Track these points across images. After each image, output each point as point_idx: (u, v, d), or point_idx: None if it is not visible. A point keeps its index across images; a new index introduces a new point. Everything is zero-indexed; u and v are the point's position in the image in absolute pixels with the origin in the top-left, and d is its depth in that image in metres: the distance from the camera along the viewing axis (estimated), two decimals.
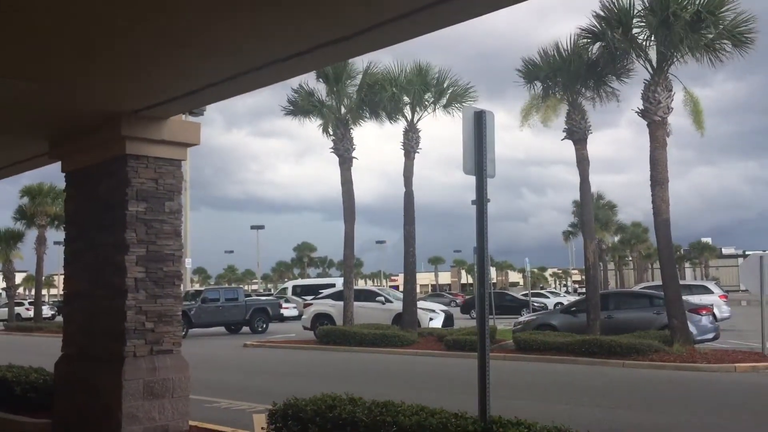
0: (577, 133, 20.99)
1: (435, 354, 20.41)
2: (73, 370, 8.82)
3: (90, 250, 8.74)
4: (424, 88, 24.13)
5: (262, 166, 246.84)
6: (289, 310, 41.85)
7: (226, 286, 74.96)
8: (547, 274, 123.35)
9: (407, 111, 24.74)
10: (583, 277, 26.46)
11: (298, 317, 36.18)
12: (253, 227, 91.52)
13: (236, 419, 10.13)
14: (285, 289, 55.56)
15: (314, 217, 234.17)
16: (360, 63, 24.75)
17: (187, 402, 8.50)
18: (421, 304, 27.97)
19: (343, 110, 25.49)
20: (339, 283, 36.39)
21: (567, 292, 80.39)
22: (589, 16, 19.25)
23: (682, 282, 24.63)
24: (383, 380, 15.34)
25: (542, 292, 59.38)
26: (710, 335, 19.88)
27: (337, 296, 27.86)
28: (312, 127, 26.38)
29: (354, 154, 25.37)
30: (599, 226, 49.09)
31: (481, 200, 6.47)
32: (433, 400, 7.63)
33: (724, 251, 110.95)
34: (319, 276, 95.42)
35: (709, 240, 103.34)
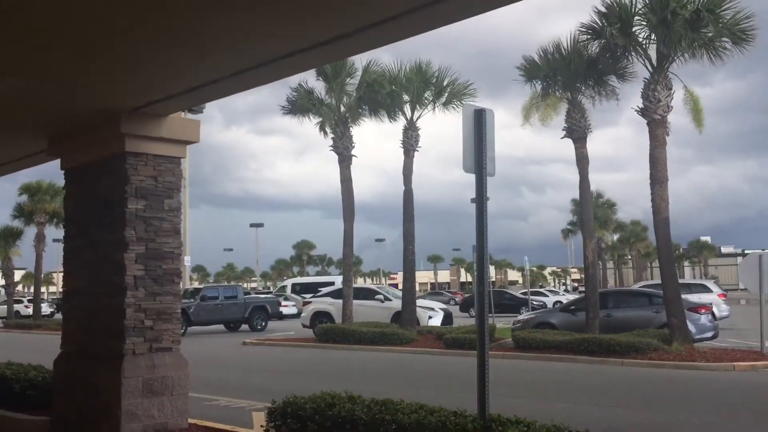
0: (577, 132, 21.00)
1: (434, 352, 20.41)
2: (73, 367, 8.82)
3: (89, 247, 8.73)
4: (423, 86, 24.13)
5: (262, 163, 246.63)
6: (288, 308, 41.84)
7: (225, 284, 74.94)
8: (546, 272, 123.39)
9: (407, 109, 24.75)
10: (582, 275, 26.45)
11: (297, 315, 36.21)
12: (252, 225, 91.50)
13: (235, 417, 10.13)
14: (284, 287, 55.55)
15: (313, 215, 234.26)
16: (359, 61, 24.78)
17: (186, 400, 8.50)
18: (420, 302, 27.97)
19: (342, 108, 25.48)
20: (338, 281, 36.41)
21: (566, 290, 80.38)
22: (589, 14, 19.27)
23: (681, 281, 24.63)
24: (382, 378, 15.34)
25: (541, 290, 59.35)
26: (709, 334, 19.89)
27: (336, 294, 27.88)
28: (311, 125, 26.23)
29: (353, 152, 25.40)
30: (598, 224, 49.18)
31: (480, 198, 6.47)
32: (432, 399, 7.63)
33: (723, 250, 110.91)
34: (318, 274, 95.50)
35: (708, 239, 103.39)
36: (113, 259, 8.25)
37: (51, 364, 9.38)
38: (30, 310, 46.73)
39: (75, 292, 9.04)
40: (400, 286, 27.72)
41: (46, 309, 51.36)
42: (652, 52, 18.92)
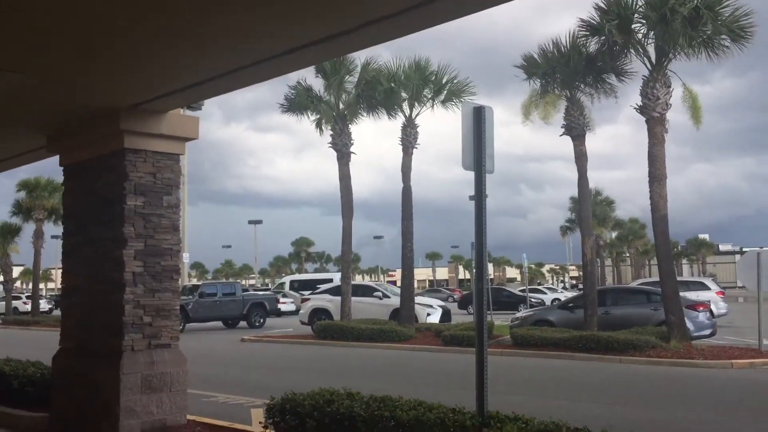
0: (576, 129, 21.01)
1: (432, 349, 20.44)
2: (71, 364, 8.82)
3: (88, 244, 8.73)
4: (422, 84, 24.14)
5: (261, 160, 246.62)
6: (286, 305, 41.86)
7: (224, 280, 74.93)
8: (544, 270, 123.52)
9: (405, 106, 24.76)
10: (581, 273, 26.48)
11: (296, 312, 36.23)
12: (250, 222, 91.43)
13: (234, 413, 10.14)
14: (282, 284, 55.62)
15: (312, 212, 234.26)
16: (359, 59, 24.78)
17: (185, 396, 8.50)
18: (418, 299, 28.00)
19: (341, 105, 25.47)
20: (337, 278, 36.46)
21: (564, 288, 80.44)
22: (589, 12, 19.29)
23: (679, 278, 24.67)
24: (381, 375, 15.35)
25: (539, 287, 59.44)
26: (707, 331, 19.91)
27: (334, 291, 27.90)
28: (310, 122, 26.23)
29: (352, 149, 25.39)
30: (597, 222, 49.21)
31: (480, 195, 6.47)
32: (431, 396, 7.64)
33: (722, 248, 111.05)
34: (316, 271, 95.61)
35: (706, 237, 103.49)
36: (112, 255, 8.25)
37: (50, 361, 9.38)
38: (28, 307, 46.72)
39: (74, 288, 9.04)
40: (399, 284, 27.74)
41: (44, 305, 51.30)
42: (651, 49, 18.94)
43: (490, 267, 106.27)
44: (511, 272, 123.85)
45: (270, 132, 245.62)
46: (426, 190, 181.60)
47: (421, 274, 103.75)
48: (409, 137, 24.39)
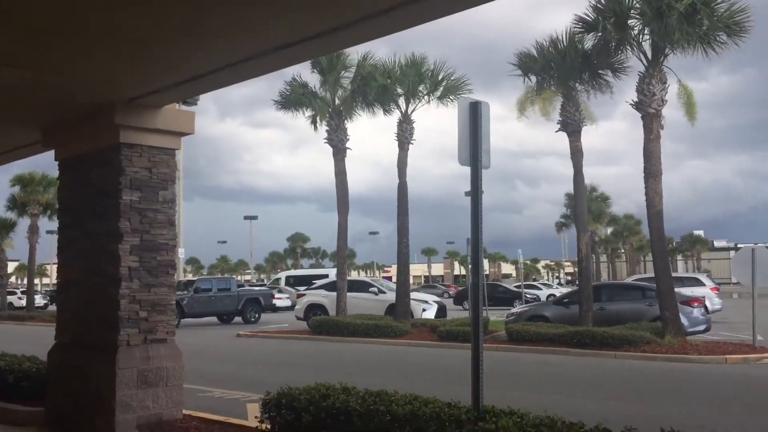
0: (571, 125, 21.02)
1: (428, 345, 20.47)
2: (67, 358, 8.82)
3: (84, 238, 8.72)
4: (418, 80, 24.12)
5: (256, 156, 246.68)
6: (282, 300, 41.85)
7: (219, 276, 74.90)
8: (539, 266, 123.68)
9: (401, 102, 24.75)
10: (576, 269, 26.53)
11: (291, 308, 36.21)
12: (246, 218, 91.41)
13: (230, 408, 10.15)
14: (278, 279, 55.58)
15: (308, 207, 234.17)
16: (355, 54, 24.75)
17: (180, 391, 8.51)
18: (414, 295, 28.04)
19: (336, 101, 25.44)
20: (332, 273, 36.38)
21: (560, 284, 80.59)
22: (586, 7, 19.26)
23: (674, 274, 24.73)
24: (376, 370, 15.37)
25: (535, 283, 59.52)
26: (702, 327, 19.98)
27: (330, 287, 27.90)
28: (305, 118, 26.21)
29: (348, 145, 25.38)
30: (592, 218, 49.23)
31: (476, 191, 6.48)
32: (426, 390, 7.65)
33: (716, 244, 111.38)
34: (312, 267, 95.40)
35: (701, 233, 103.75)
36: (108, 250, 8.24)
37: (45, 356, 9.37)
38: (23, 302, 46.63)
39: (69, 282, 9.04)
40: (394, 279, 27.76)
41: (39, 300, 51.23)
42: (647, 46, 18.95)
43: (486, 263, 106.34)
44: (507, 268, 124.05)
45: (265, 128, 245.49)
46: (422, 185, 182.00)
47: (417, 270, 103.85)
48: (404, 133, 24.38)
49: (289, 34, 6.22)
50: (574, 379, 13.84)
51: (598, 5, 18.85)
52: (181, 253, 42.43)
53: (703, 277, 34.07)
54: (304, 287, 34.99)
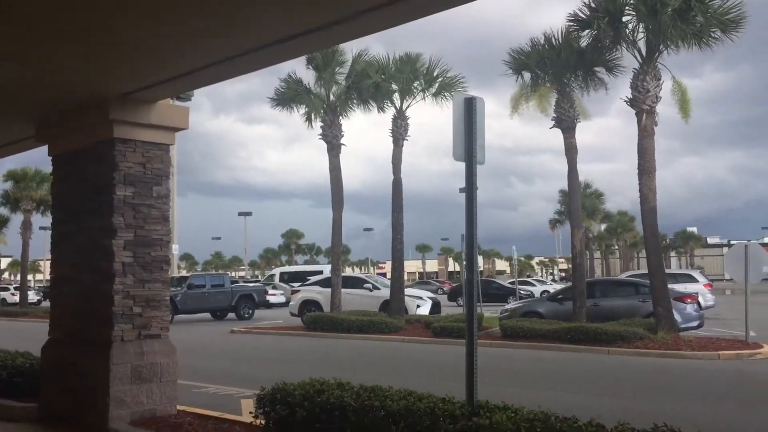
0: (566, 122, 21.06)
1: (422, 341, 20.49)
2: (60, 354, 8.80)
3: (77, 234, 8.70)
4: (413, 77, 24.12)
5: (251, 152, 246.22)
6: (276, 296, 41.85)
7: (213, 272, 74.79)
8: (533, 262, 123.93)
9: (396, 98, 24.74)
10: (570, 265, 26.58)
11: (286, 304, 36.21)
12: (240, 214, 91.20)
13: (224, 404, 10.14)
14: (272, 275, 55.55)
15: (302, 204, 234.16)
16: (350, 51, 24.74)
17: (174, 386, 8.50)
18: (408, 291, 28.03)
19: (331, 97, 25.41)
20: (327, 270, 36.44)
21: (553, 280, 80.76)
22: (579, 5, 19.28)
23: (667, 271, 24.77)
24: (371, 366, 15.38)
25: (529, 280, 59.62)
26: (695, 323, 20.06)
27: (324, 283, 27.90)
28: (300, 115, 26.17)
29: (342, 141, 25.35)
30: (586, 214, 49.37)
31: (470, 186, 6.48)
32: (421, 386, 7.66)
33: (710, 240, 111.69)
34: (306, 263, 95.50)
35: (694, 229, 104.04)
36: (101, 245, 8.22)
37: (38, 351, 9.35)
38: (16, 298, 46.51)
39: (63, 278, 9.01)
40: (389, 275, 27.77)
41: (32, 297, 51.15)
42: (642, 43, 18.98)
43: (480, 259, 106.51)
44: (501, 265, 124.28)
45: (260, 123, 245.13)
46: (416, 182, 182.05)
47: (411, 266, 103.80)
48: (399, 129, 24.39)
49: (285, 29, 6.20)
50: (567, 375, 13.88)
51: (592, 4, 18.87)
52: (175, 249, 42.28)
53: (696, 274, 34.16)
54: (299, 283, 34.97)
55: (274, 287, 44.91)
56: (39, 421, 8.74)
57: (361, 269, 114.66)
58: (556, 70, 21.08)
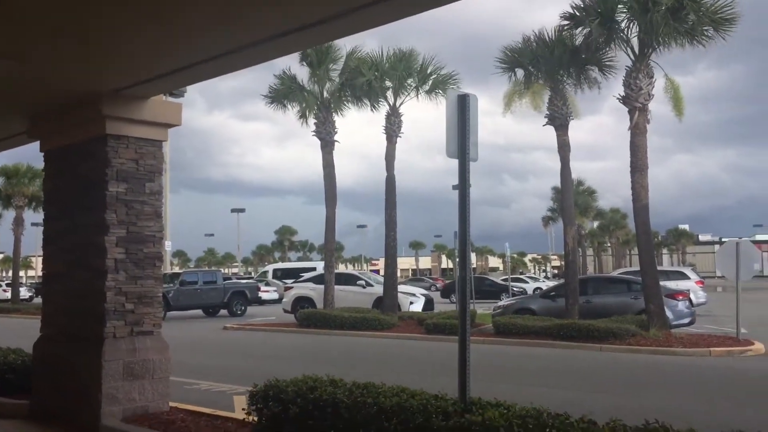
0: (559, 119, 21.09)
1: (415, 337, 20.51)
2: (52, 350, 8.77)
3: (69, 230, 8.67)
4: (406, 74, 24.11)
5: (244, 148, 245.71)
6: (269, 293, 41.82)
7: (205, 269, 74.68)
8: (526, 259, 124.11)
9: (389, 95, 24.72)
10: (562, 262, 26.65)
11: (279, 300, 36.18)
12: (233, 210, 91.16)
13: (217, 400, 10.13)
14: (266, 272, 55.52)
15: (296, 200, 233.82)
16: (344, 48, 24.70)
17: (167, 383, 8.49)
18: (401, 288, 28.08)
19: (325, 94, 25.38)
20: (320, 266, 36.40)
21: (546, 277, 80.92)
22: (571, 3, 19.29)
23: (659, 268, 24.87)
24: (364, 363, 15.39)
25: (521, 277, 59.75)
26: (686, 320, 20.13)
27: (317, 280, 27.89)
28: (294, 112, 26.10)
29: (336, 137, 25.33)
30: (579, 212, 49.51)
31: (463, 183, 6.48)
32: (414, 383, 7.67)
33: (701, 238, 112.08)
34: (299, 260, 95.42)
35: (686, 227, 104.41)
36: (94, 242, 8.20)
37: (30, 348, 9.32)
38: (8, 294, 46.30)
39: (55, 274, 8.98)
40: (382, 272, 27.79)
41: (24, 293, 50.91)
42: (634, 41, 19.01)
43: (473, 256, 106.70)
44: (494, 261, 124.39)
45: (254, 120, 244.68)
46: (410, 179, 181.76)
47: (404, 263, 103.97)
48: (393, 126, 24.37)
49: (279, 25, 6.18)
50: (559, 372, 13.92)
51: (583, 4, 18.90)
52: (168, 245, 42.27)
53: (688, 271, 34.31)
54: (292, 280, 34.96)
55: (267, 284, 44.88)
56: (31, 418, 8.72)
57: (354, 266, 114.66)
58: (549, 68, 21.10)
